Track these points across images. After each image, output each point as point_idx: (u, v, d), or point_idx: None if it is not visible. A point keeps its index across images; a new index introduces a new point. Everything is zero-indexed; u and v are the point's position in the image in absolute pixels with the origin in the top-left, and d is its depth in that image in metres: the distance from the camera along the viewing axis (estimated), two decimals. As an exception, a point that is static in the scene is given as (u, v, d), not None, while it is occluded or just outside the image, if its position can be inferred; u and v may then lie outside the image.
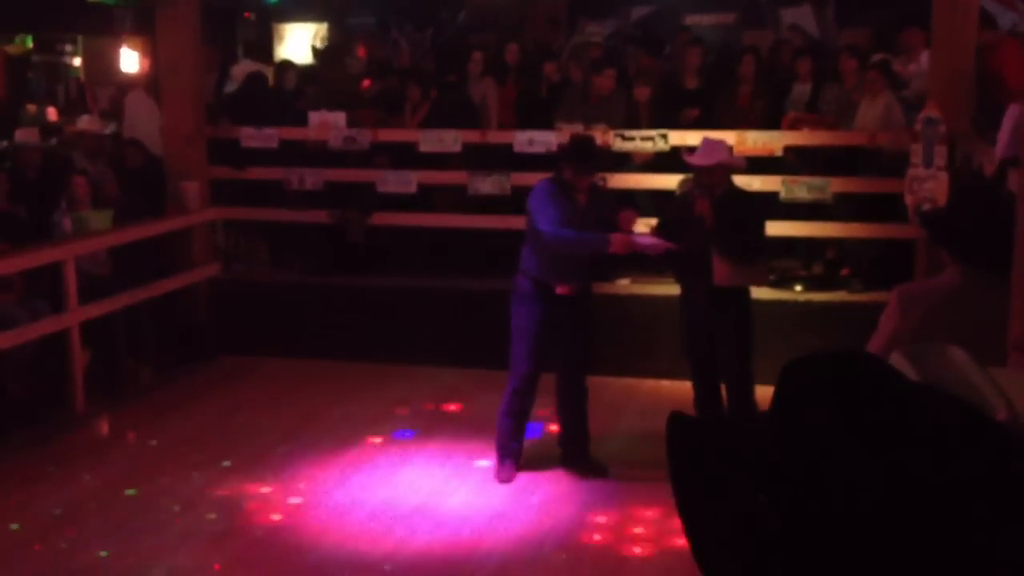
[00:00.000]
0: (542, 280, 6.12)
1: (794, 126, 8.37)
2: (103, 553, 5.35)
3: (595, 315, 6.49)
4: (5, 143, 9.40)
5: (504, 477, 6.18)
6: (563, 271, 6.09)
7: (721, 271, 6.00)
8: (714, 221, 6.00)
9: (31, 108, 11.70)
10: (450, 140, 8.67)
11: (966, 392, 1.34)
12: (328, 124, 8.97)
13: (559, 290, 6.10)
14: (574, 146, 6.34)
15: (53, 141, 9.81)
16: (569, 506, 5.89)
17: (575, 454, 6.35)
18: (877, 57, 8.35)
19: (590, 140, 6.64)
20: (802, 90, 8.74)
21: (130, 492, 6.06)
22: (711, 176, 6.14)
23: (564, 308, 6.14)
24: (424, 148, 8.71)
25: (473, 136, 8.75)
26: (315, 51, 11.77)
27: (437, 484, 6.18)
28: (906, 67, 8.69)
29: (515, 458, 6.25)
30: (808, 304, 7.78)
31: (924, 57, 8.41)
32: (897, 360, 1.42)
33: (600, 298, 8.23)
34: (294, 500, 5.96)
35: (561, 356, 6.29)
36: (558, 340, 6.22)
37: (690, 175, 6.69)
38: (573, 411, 6.35)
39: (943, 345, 1.54)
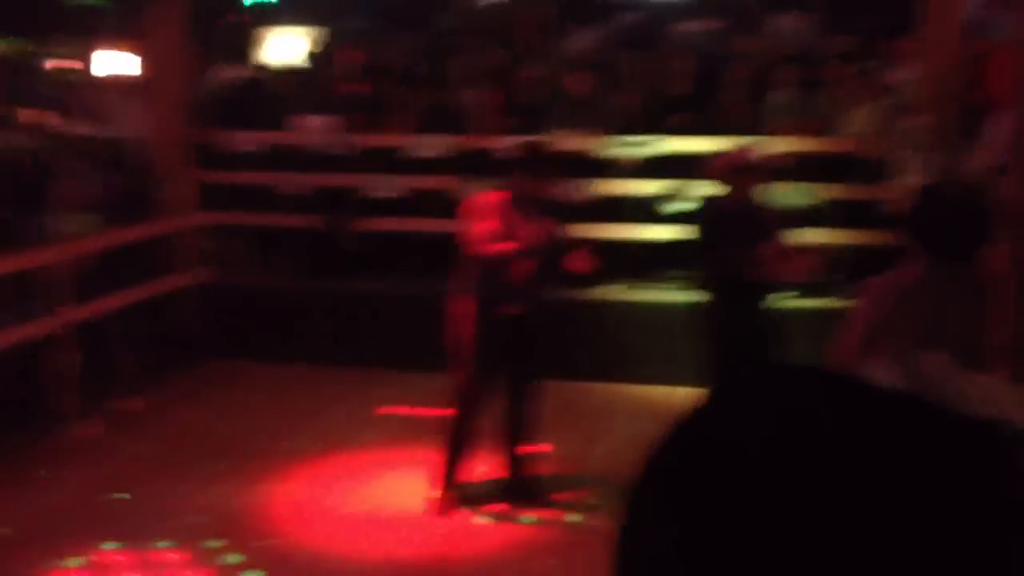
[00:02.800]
0: (486, 299, 5.80)
1: (782, 133, 8.40)
2: (87, 558, 5.33)
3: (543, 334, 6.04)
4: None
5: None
6: (505, 290, 5.73)
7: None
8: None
9: (20, 111, 11.64)
10: (439, 145, 8.67)
11: (948, 400, 1.35)
12: (317, 128, 8.96)
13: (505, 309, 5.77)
14: (527, 152, 5.90)
15: (41, 144, 9.76)
16: (560, 511, 5.90)
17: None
18: (865, 64, 8.39)
19: (543, 145, 6.31)
20: (787, 96, 8.77)
21: (117, 496, 6.05)
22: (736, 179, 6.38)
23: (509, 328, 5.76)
24: (413, 153, 8.71)
25: (460, 141, 8.75)
26: (311, 56, 11.75)
27: (427, 490, 6.17)
28: (895, 74, 8.74)
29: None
30: (798, 311, 7.80)
31: (913, 65, 8.46)
32: (874, 368, 1.43)
33: (586, 304, 8.25)
34: (283, 505, 5.95)
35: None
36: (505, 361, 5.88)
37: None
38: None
39: (920, 352, 1.55)
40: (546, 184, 5.85)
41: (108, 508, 5.91)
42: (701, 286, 6.58)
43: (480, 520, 5.78)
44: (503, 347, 5.77)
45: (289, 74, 10.74)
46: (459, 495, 5.89)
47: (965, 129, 7.36)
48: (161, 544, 5.48)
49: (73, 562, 5.29)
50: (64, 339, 7.24)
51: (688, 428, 0.71)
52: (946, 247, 3.56)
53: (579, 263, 5.73)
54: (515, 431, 5.98)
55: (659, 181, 8.27)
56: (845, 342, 3.46)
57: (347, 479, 6.32)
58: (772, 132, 8.45)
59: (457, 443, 5.87)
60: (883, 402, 0.68)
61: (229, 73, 10.35)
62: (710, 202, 6.56)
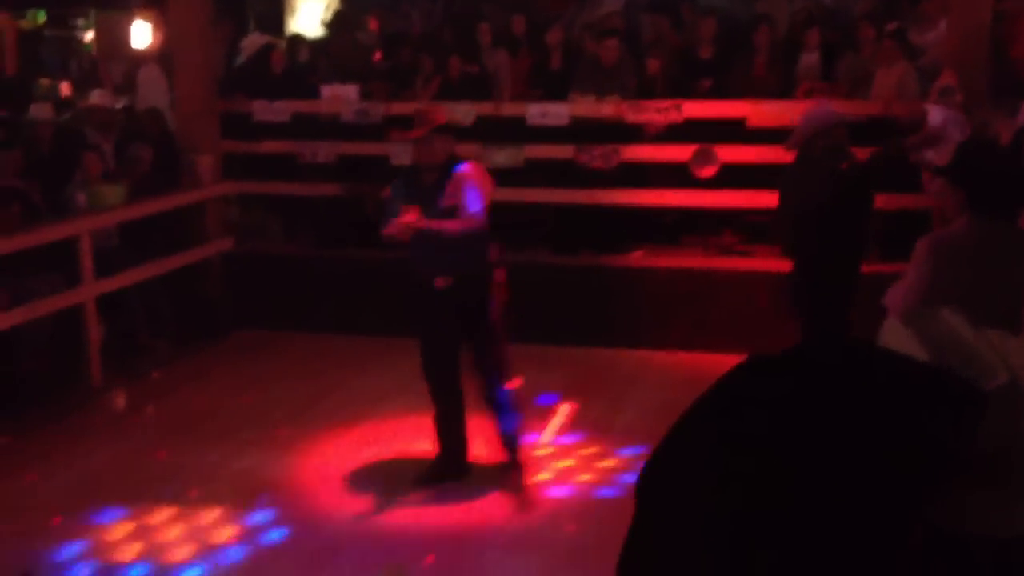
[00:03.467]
0: (417, 271, 5.63)
1: (808, 96, 8.31)
2: (121, 526, 5.39)
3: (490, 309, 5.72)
4: (19, 118, 9.40)
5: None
6: (431, 259, 5.50)
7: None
8: None
9: (44, 83, 11.69)
10: (463, 113, 8.64)
11: (962, 357, 1.33)
12: (340, 97, 8.95)
13: (437, 282, 5.55)
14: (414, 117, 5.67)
15: (66, 116, 9.81)
16: (584, 479, 5.90)
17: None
18: (892, 26, 8.27)
19: (432, 111, 5.96)
20: (810, 59, 8.67)
21: (146, 463, 6.10)
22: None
23: (443, 302, 5.54)
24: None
25: (486, 108, 8.71)
26: (325, 25, 11.73)
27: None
28: (922, 36, 8.61)
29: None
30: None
31: (941, 26, 8.33)
32: (893, 326, 1.41)
33: (613, 271, 8.23)
34: (308, 473, 5.99)
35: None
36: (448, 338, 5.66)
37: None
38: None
39: (938, 309, 1.54)
40: (431, 149, 5.50)
41: (138, 475, 5.96)
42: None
43: (502, 487, 5.79)
44: (441, 320, 5.59)
45: (315, 42, 10.72)
46: (458, 466, 5.83)
47: (995, 89, 7.25)
48: (191, 507, 5.53)
49: (105, 523, 5.35)
50: (90, 311, 7.29)
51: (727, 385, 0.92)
52: (990, 203, 3.57)
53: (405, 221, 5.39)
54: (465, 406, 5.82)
55: (685, 146, 8.20)
56: (895, 300, 3.45)
57: (373, 446, 6.35)
58: (799, 95, 8.35)
59: (439, 418, 5.81)
60: (872, 363, 0.83)
61: (251, 42, 10.35)
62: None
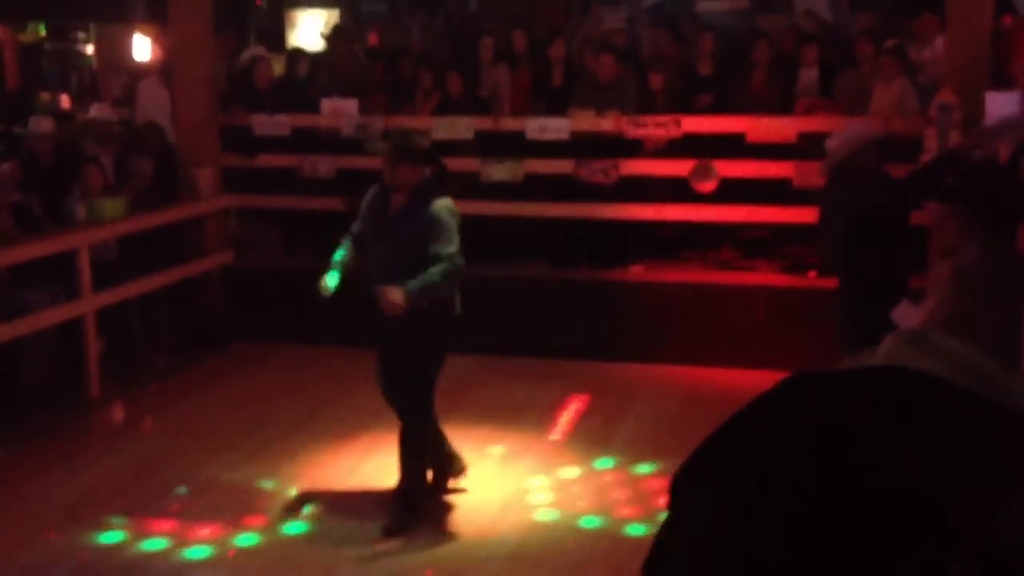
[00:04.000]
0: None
1: (808, 112, 8.34)
2: (118, 539, 5.38)
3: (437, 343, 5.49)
4: (20, 131, 9.41)
5: None
6: (385, 280, 5.27)
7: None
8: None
9: (44, 96, 11.72)
10: (462, 127, 8.66)
11: (982, 377, 1.33)
12: (340, 111, 8.97)
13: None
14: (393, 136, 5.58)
15: (66, 129, 9.83)
16: (583, 491, 5.90)
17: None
18: (891, 42, 8.31)
19: (408, 132, 5.96)
20: (809, 76, 8.71)
21: (143, 475, 6.09)
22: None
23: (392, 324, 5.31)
24: (437, 135, 8.70)
25: (485, 123, 8.73)
26: (324, 38, 11.77)
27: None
28: (920, 53, 8.65)
29: None
30: (822, 291, 7.75)
31: (939, 43, 8.36)
32: (899, 344, 1.41)
33: (612, 285, 8.24)
34: (307, 486, 5.98)
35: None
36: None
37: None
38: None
39: (943, 334, 1.53)
40: (404, 170, 5.30)
41: (136, 488, 5.95)
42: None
43: (505, 497, 5.79)
44: (389, 343, 5.43)
45: (315, 55, 10.75)
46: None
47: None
48: (192, 519, 5.52)
49: (103, 537, 5.34)
50: (88, 324, 7.29)
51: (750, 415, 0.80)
52: (995, 225, 3.57)
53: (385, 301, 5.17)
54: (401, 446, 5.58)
55: (684, 161, 8.22)
56: (906, 319, 3.43)
57: (371, 459, 6.34)
58: (798, 111, 8.39)
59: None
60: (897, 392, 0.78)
61: (248, 55, 10.38)
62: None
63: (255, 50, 10.62)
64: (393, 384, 5.50)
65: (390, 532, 5.35)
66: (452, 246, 5.27)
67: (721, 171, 8.10)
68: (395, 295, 5.10)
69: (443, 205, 5.35)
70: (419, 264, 5.18)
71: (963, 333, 3.15)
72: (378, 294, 5.14)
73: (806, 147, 8.20)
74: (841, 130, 6.07)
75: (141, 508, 5.71)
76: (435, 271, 5.18)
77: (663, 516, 0.79)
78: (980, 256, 3.53)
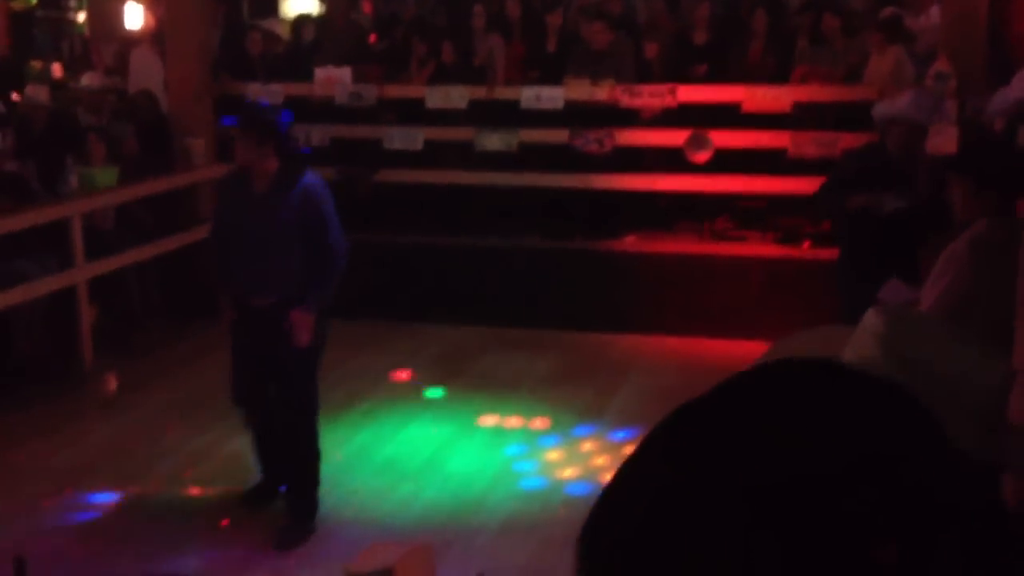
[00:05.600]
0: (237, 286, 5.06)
1: (804, 81, 8.31)
2: (113, 508, 5.39)
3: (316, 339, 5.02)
4: (12, 99, 9.35)
5: None
6: (252, 275, 4.94)
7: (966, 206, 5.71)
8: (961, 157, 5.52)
9: (36, 64, 11.63)
10: (457, 96, 8.61)
11: (949, 363, 1.33)
12: (334, 80, 8.92)
13: (254, 301, 4.99)
14: (245, 112, 5.18)
15: (59, 98, 9.77)
16: (575, 461, 5.92)
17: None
18: (888, 11, 8.26)
19: (256, 106, 5.60)
20: (806, 45, 8.67)
21: (140, 445, 6.10)
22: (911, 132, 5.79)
23: (258, 323, 4.95)
24: (431, 105, 8.66)
25: (480, 92, 8.69)
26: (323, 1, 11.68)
27: (442, 441, 6.21)
28: (916, 21, 8.61)
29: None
30: (817, 261, 7.74)
31: (934, 11, 8.32)
32: (875, 330, 1.40)
33: (606, 255, 8.23)
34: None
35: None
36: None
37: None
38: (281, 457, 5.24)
39: (919, 315, 1.53)
40: (259, 150, 4.88)
41: (130, 457, 5.96)
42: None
43: (498, 468, 5.80)
44: (253, 341, 5.03)
45: (317, 20, 10.68)
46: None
47: (992, 76, 7.24)
48: (185, 489, 5.53)
49: (97, 505, 5.36)
50: (82, 293, 7.28)
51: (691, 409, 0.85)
52: (1003, 193, 3.54)
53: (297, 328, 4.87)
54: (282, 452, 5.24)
55: (680, 131, 8.19)
56: (894, 296, 3.40)
57: (366, 428, 6.35)
58: (794, 80, 8.35)
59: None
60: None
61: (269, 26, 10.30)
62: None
63: (273, 23, 10.55)
64: (280, 381, 5.05)
65: (286, 545, 4.98)
66: (338, 229, 4.97)
67: (716, 141, 8.07)
68: (305, 321, 4.84)
69: (316, 180, 5.01)
70: (291, 254, 4.86)
71: (981, 309, 3.13)
72: (291, 329, 4.83)
73: (801, 116, 8.18)
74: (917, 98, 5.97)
75: (135, 477, 5.72)
76: (330, 269, 4.94)
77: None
78: (991, 230, 3.49)
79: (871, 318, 1.43)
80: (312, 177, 5.00)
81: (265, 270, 4.89)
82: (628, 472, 0.79)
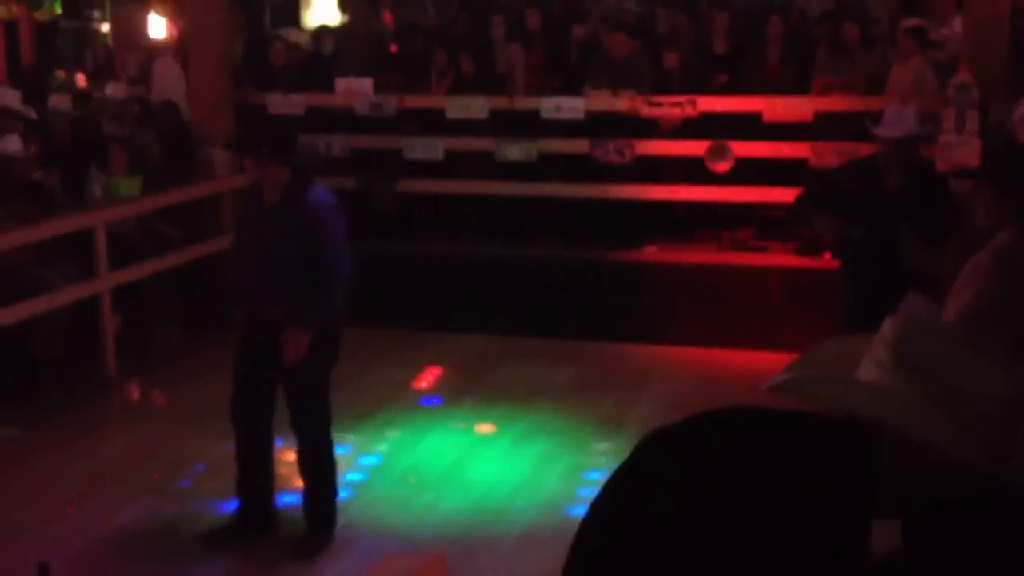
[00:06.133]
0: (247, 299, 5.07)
1: (825, 92, 8.30)
2: (134, 514, 5.42)
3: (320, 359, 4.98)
4: (37, 109, 9.42)
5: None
6: (262, 289, 4.94)
7: (913, 255, 5.30)
8: (912, 200, 5.36)
9: (60, 74, 11.73)
10: (477, 106, 8.64)
11: (953, 371, 1.33)
12: (355, 90, 8.96)
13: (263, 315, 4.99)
14: (247, 127, 5.19)
15: (82, 107, 9.85)
16: (593, 473, 5.91)
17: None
18: (911, 21, 8.24)
19: (266, 118, 5.52)
20: (826, 55, 8.65)
21: (159, 454, 6.13)
22: (900, 149, 5.57)
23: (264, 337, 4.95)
24: (451, 115, 8.69)
25: (500, 102, 8.71)
26: (341, 8, 11.72)
27: (463, 451, 6.21)
28: (938, 31, 8.58)
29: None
30: (838, 272, 7.71)
31: (956, 21, 8.29)
32: (888, 338, 1.40)
33: (626, 265, 8.22)
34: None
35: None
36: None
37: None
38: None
39: (932, 321, 1.53)
40: (265, 163, 4.84)
41: (152, 465, 5.99)
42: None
43: (519, 478, 5.80)
44: (257, 355, 5.04)
45: (336, 30, 10.73)
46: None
47: (1013, 85, 7.21)
48: (206, 498, 5.55)
49: (120, 512, 5.38)
50: (105, 302, 7.32)
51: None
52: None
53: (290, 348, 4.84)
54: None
55: (700, 142, 8.19)
56: (951, 315, 3.34)
57: (386, 437, 6.36)
58: (815, 91, 8.34)
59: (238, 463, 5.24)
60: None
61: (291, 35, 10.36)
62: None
63: (294, 33, 10.61)
64: (288, 396, 5.04)
65: (305, 555, 4.99)
66: (341, 247, 4.92)
67: (736, 151, 8.06)
68: (299, 338, 4.81)
69: (322, 197, 4.95)
70: (292, 268, 4.83)
71: (1006, 321, 3.09)
72: (282, 347, 4.79)
73: (823, 126, 8.16)
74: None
75: (157, 485, 5.74)
76: (327, 286, 4.88)
77: None
78: (1015, 241, 3.43)
79: (886, 326, 1.44)
80: (319, 193, 4.94)
81: (270, 284, 4.88)
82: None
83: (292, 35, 10.29)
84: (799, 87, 8.40)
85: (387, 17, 11.52)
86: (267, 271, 4.89)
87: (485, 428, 6.52)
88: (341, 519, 5.24)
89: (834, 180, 6.06)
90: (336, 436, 5.20)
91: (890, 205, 5.50)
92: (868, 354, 1.40)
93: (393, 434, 6.46)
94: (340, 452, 5.31)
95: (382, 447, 6.27)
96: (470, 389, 7.18)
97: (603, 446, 6.23)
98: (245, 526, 5.19)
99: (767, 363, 7.28)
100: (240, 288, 5.07)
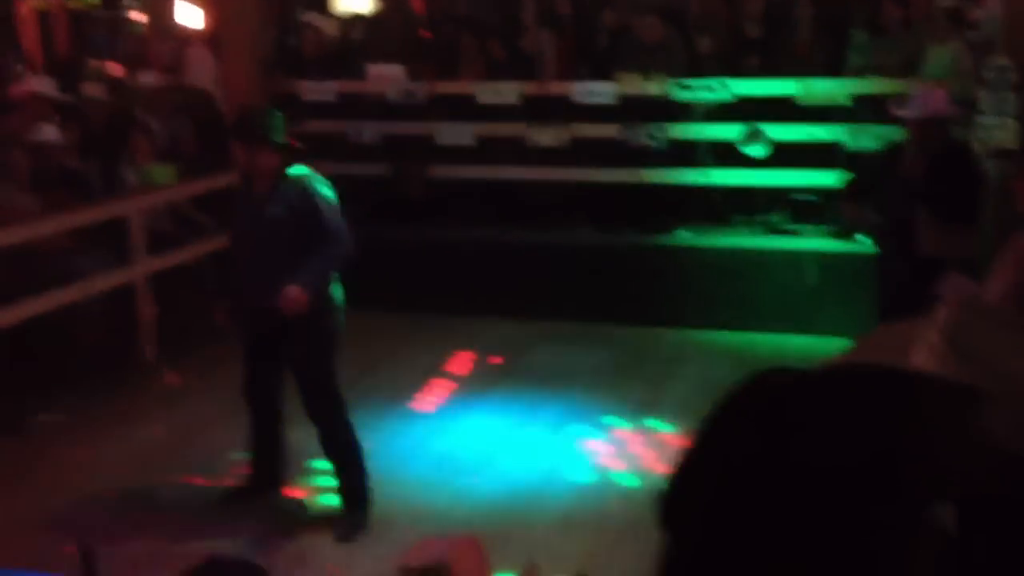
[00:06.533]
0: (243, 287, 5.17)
1: (859, 75, 8.22)
2: (174, 500, 5.48)
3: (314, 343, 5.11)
4: (72, 98, 9.50)
5: None
6: (256, 276, 5.01)
7: (930, 239, 5.23)
8: (929, 182, 5.27)
9: (94, 63, 11.80)
10: (508, 92, 8.63)
11: (1006, 356, 1.32)
12: (386, 77, 8.97)
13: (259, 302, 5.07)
14: (236, 119, 5.35)
15: (117, 96, 9.91)
16: (630, 455, 5.92)
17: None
18: (947, 3, 8.14)
19: (254, 109, 5.58)
20: (861, 37, 8.56)
21: (199, 439, 6.20)
22: (923, 130, 5.46)
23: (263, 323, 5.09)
24: (482, 100, 8.69)
25: (531, 88, 8.70)
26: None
27: (497, 436, 6.24)
28: (975, 12, 8.47)
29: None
30: (872, 255, 7.66)
31: (993, 1, 8.18)
32: (940, 324, 1.40)
33: (659, 249, 8.21)
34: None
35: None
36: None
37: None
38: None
39: (984, 306, 1.52)
40: (252, 166, 5.01)
41: (190, 450, 6.06)
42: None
43: (553, 464, 5.82)
44: (258, 341, 5.20)
45: (369, 18, 10.73)
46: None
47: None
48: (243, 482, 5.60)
49: (155, 498, 5.45)
50: (141, 289, 7.39)
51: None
52: None
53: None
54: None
55: (733, 125, 8.15)
56: (994, 295, 3.31)
57: (420, 421, 6.40)
58: (850, 73, 8.26)
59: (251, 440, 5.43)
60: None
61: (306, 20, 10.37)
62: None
63: (309, 17, 10.63)
64: (301, 392, 5.14)
65: (343, 536, 5.06)
66: (335, 210, 5.00)
67: (770, 135, 8.01)
68: (295, 292, 4.85)
69: (304, 171, 5.06)
70: (288, 251, 4.93)
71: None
72: (281, 300, 4.85)
73: (859, 109, 8.09)
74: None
75: (196, 470, 5.81)
76: (329, 248, 4.97)
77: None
78: None
79: (939, 312, 1.43)
80: (299, 169, 5.03)
81: (270, 272, 4.92)
82: (713, 433, 0.86)
83: (319, 22, 10.30)
84: (833, 71, 8.32)
85: (418, 4, 11.51)
86: (265, 259, 4.96)
87: (519, 412, 6.54)
88: (377, 501, 5.28)
89: (868, 165, 6.03)
90: (369, 420, 5.24)
91: (906, 188, 5.44)
92: (920, 338, 1.40)
93: (427, 418, 6.49)
94: (374, 436, 5.34)
95: (416, 431, 6.30)
96: (503, 373, 7.21)
97: (638, 430, 6.24)
98: (234, 499, 5.32)
99: (802, 346, 7.27)
100: (227, 286, 5.20)
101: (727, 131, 8.17)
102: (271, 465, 5.42)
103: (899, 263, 5.46)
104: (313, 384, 5.07)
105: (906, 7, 8.55)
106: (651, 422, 6.32)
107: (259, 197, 5.01)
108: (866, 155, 7.13)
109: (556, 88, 8.70)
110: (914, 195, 5.33)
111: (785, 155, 8.04)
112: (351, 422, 5.21)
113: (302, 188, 4.96)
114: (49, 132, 7.55)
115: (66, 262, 7.01)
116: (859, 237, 7.86)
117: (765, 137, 8.00)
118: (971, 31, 8.20)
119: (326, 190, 5.05)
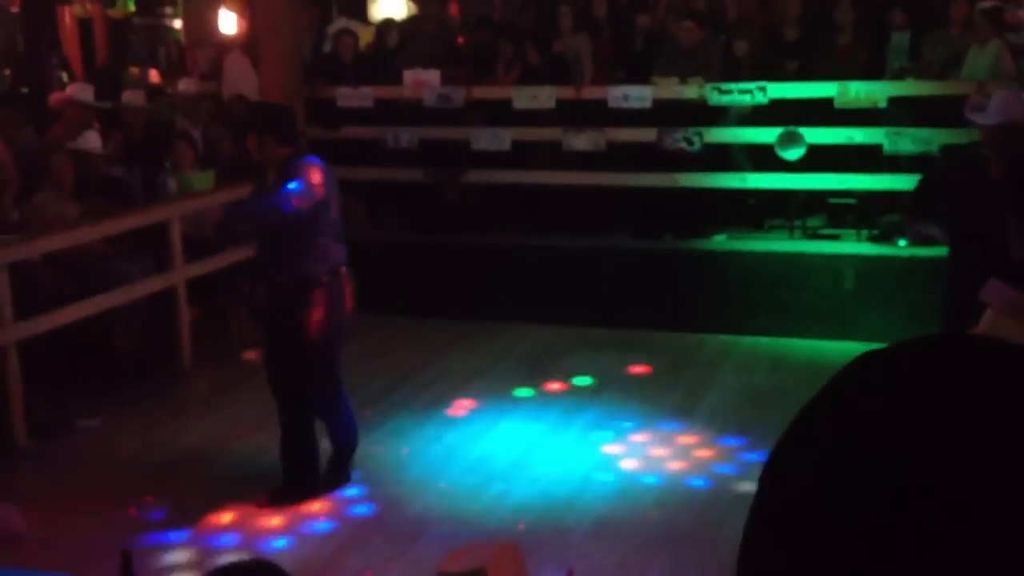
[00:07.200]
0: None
1: (899, 77, 8.15)
2: (211, 506, 5.51)
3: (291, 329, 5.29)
4: (112, 106, 9.61)
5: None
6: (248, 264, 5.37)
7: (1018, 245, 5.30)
8: (1016, 187, 5.38)
9: (134, 71, 11.93)
10: (544, 97, 8.63)
11: None
12: (422, 82, 9.00)
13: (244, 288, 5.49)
14: (255, 112, 5.65)
15: (156, 104, 10.01)
16: (667, 462, 5.89)
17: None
18: (987, 3, 8.06)
19: (267, 104, 5.90)
20: (901, 39, 8.49)
21: (236, 443, 6.24)
22: (1003, 137, 5.25)
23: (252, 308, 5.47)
24: (518, 105, 8.69)
25: (567, 92, 8.69)
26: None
27: (533, 441, 6.23)
28: (1016, 13, 8.38)
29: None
30: (912, 260, 7.59)
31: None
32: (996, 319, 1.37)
33: (696, 255, 8.17)
34: (391, 455, 6.06)
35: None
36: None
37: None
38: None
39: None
40: (259, 146, 5.24)
41: (228, 454, 6.10)
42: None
43: (588, 470, 5.80)
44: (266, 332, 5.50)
45: (403, 23, 10.78)
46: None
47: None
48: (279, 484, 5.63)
49: (192, 502, 5.49)
50: (180, 294, 7.46)
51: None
52: None
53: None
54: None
55: (771, 129, 8.10)
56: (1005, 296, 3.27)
57: (456, 427, 6.40)
58: (890, 75, 8.19)
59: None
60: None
61: (336, 27, 10.44)
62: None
63: (342, 22, 10.70)
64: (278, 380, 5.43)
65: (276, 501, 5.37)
66: (291, 185, 5.09)
67: (808, 138, 7.96)
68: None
69: (310, 164, 5.27)
70: (281, 239, 5.17)
71: None
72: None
73: (898, 113, 8.01)
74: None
75: (233, 473, 5.84)
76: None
77: (751, 486, 0.80)
78: None
79: (984, 317, 1.41)
80: (307, 160, 5.26)
81: (280, 257, 5.21)
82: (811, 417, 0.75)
83: (354, 28, 10.37)
84: (873, 73, 8.25)
85: (454, 9, 11.56)
86: (274, 244, 5.22)
87: (555, 417, 6.53)
88: (412, 506, 5.28)
89: (939, 170, 5.88)
90: (406, 426, 5.25)
91: (985, 195, 5.35)
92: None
93: (462, 424, 6.49)
94: (410, 442, 5.33)
95: (452, 436, 6.30)
96: (541, 378, 7.19)
97: (675, 436, 6.20)
98: (289, 494, 5.43)
99: (840, 353, 7.19)
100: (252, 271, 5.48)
101: (764, 135, 8.12)
102: (299, 451, 5.49)
103: (977, 273, 5.35)
104: (276, 378, 5.38)
105: (936, 8, 8.47)
106: (689, 429, 6.28)
107: (268, 187, 5.25)
108: (928, 163, 6.99)
109: (592, 92, 8.69)
110: (997, 202, 5.23)
111: (823, 158, 7.98)
112: (312, 432, 5.45)
113: (299, 167, 5.18)
114: (91, 139, 7.63)
115: (108, 268, 7.08)
116: (900, 242, 7.79)
117: (801, 140, 7.94)
118: (1011, 33, 8.11)
119: (309, 174, 5.18)
